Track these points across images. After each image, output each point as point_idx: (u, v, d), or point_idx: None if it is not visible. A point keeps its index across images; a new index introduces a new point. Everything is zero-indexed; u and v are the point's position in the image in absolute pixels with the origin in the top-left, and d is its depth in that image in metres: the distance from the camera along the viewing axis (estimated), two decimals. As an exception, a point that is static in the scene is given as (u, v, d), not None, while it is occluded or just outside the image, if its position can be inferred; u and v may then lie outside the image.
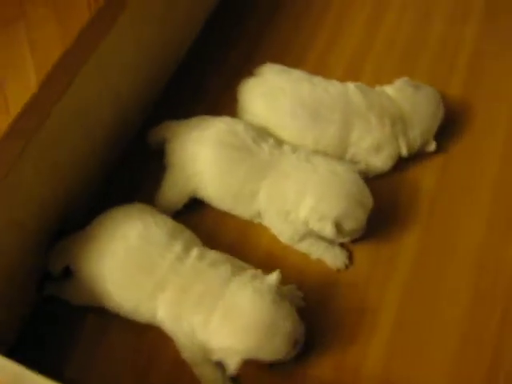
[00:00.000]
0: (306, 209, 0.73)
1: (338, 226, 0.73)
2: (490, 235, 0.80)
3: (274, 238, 0.79)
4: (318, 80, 0.84)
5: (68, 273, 0.74)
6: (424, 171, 0.86)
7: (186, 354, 0.69)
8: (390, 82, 0.87)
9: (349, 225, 0.74)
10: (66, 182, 0.74)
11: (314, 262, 0.78)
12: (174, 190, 0.80)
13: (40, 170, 0.67)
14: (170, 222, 0.73)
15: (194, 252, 0.69)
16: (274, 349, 0.65)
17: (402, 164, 0.84)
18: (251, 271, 0.69)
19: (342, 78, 0.86)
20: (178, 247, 0.69)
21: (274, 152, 0.76)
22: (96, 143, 0.78)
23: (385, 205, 0.81)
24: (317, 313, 0.74)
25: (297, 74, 0.84)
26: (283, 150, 0.77)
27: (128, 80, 0.81)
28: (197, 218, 0.81)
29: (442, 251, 0.79)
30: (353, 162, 0.81)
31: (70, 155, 0.72)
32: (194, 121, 0.82)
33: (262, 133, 0.79)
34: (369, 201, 0.75)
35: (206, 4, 1.00)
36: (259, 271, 0.68)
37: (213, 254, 0.70)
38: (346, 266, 0.78)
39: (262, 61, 0.89)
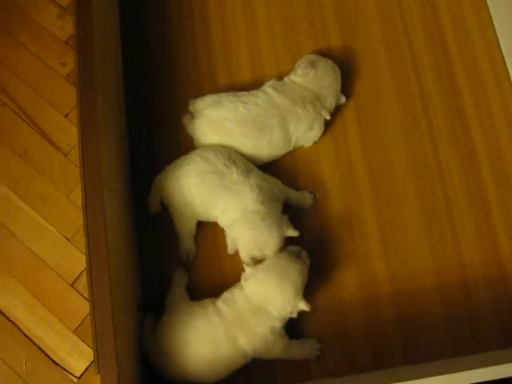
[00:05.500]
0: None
1: None
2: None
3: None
4: (245, 96, 1.05)
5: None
6: (346, 116, 1.12)
7: None
8: (290, 65, 1.11)
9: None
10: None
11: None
12: (182, 220, 1.02)
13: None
14: None
15: None
16: None
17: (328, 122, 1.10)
18: None
19: (252, 80, 1.08)
20: None
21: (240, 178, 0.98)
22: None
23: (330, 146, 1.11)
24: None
25: (226, 99, 1.04)
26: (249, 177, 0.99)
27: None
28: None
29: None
30: (297, 144, 1.07)
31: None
32: (172, 166, 1.02)
33: (234, 156, 1.00)
34: None
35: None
36: None
37: None
38: None
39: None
